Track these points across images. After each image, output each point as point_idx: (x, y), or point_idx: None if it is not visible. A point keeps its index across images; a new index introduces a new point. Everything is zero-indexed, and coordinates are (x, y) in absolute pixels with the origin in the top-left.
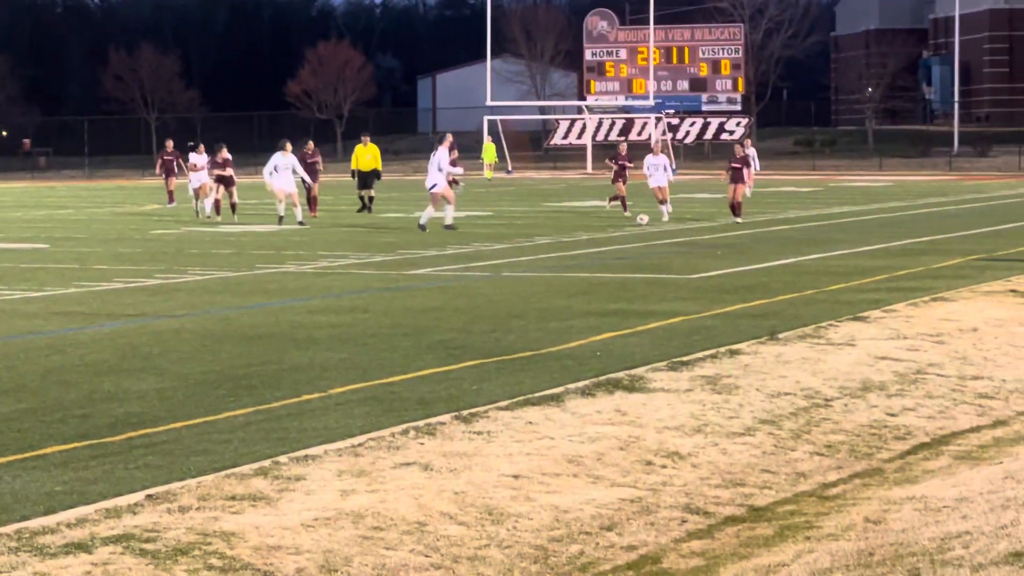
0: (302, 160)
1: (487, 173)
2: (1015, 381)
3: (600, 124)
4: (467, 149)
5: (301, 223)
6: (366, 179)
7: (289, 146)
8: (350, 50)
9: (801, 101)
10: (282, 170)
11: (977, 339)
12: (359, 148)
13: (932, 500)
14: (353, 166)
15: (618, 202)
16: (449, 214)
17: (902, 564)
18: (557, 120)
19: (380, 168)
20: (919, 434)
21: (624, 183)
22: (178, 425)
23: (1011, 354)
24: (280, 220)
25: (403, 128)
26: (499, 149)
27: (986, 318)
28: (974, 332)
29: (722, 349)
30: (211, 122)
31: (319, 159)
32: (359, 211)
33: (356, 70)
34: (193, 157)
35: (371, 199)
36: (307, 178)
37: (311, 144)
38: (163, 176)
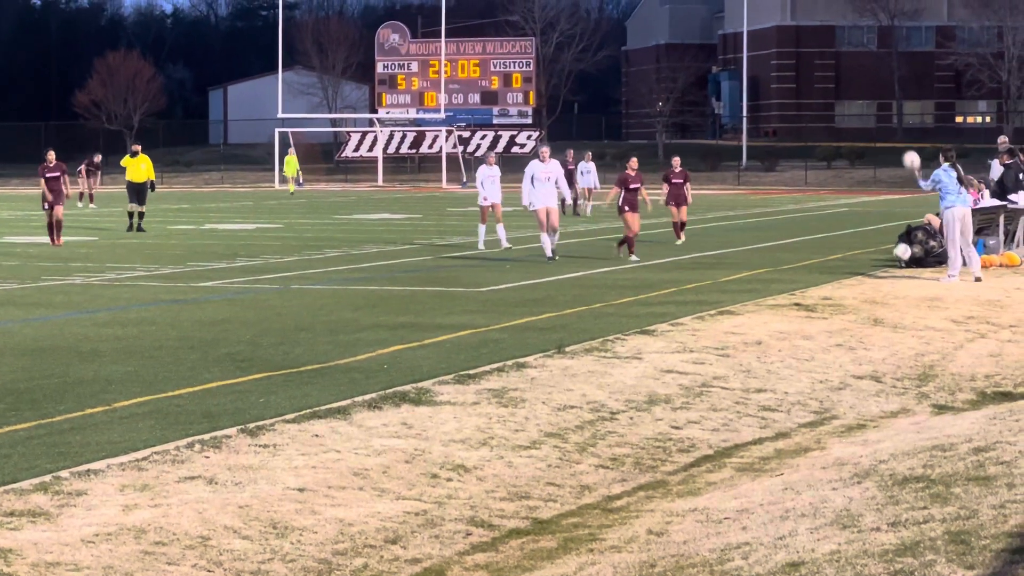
0: (41, 173)
1: (290, 187)
2: (797, 394)
3: (391, 137)
4: (258, 162)
5: None
6: (139, 192)
7: None
8: (140, 60)
9: (592, 115)
10: None
11: (761, 352)
12: (128, 159)
13: (714, 512)
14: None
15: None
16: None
17: (683, 575)
18: (348, 132)
19: (153, 179)
20: (703, 447)
21: (677, 206)
22: None
23: (794, 367)
24: None
25: (194, 140)
26: None
27: (770, 331)
28: (758, 345)
29: (509, 362)
30: None
31: (63, 173)
32: (128, 230)
33: (146, 81)
34: None
35: (141, 216)
36: None
37: (52, 155)
38: None
